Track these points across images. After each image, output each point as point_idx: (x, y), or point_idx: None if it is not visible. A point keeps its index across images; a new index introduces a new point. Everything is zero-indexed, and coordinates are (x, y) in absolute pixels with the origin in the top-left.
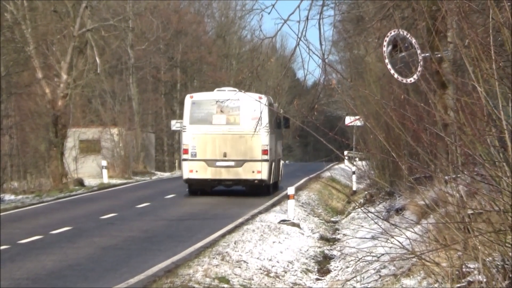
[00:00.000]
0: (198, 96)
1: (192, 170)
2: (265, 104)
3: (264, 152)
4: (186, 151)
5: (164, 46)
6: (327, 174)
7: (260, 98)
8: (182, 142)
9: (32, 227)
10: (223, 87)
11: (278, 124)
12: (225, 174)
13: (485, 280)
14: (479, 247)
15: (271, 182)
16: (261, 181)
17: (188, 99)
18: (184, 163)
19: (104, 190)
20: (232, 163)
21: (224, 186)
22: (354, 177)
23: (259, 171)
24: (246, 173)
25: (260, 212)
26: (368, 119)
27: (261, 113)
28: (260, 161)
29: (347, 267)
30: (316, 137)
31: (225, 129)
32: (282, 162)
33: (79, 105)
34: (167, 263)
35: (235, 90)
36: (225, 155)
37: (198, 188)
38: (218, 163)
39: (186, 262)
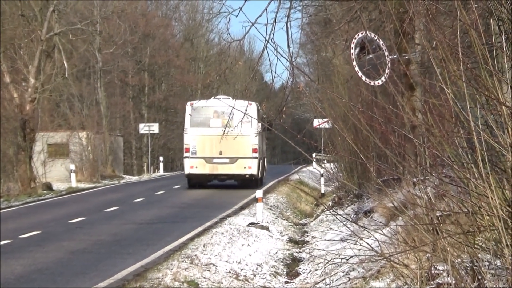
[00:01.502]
0: (197, 103)
1: (192, 166)
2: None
3: (254, 150)
4: (187, 150)
5: (131, 49)
6: (295, 176)
7: (250, 104)
8: (184, 143)
9: (1, 231)
10: (219, 95)
11: (263, 126)
12: (221, 170)
13: (454, 282)
14: (448, 249)
15: (259, 176)
16: (251, 175)
17: (188, 106)
18: (185, 160)
19: (72, 194)
20: (227, 160)
21: (219, 180)
22: (322, 179)
23: (250, 167)
24: (238, 168)
25: (228, 215)
26: (336, 121)
27: (251, 117)
28: (250, 158)
29: (316, 269)
30: (284, 139)
31: (221, 131)
32: (266, 159)
33: (47, 109)
34: (136, 267)
35: (229, 98)
36: (221, 153)
37: (197, 182)
38: (215, 160)
39: (155, 266)
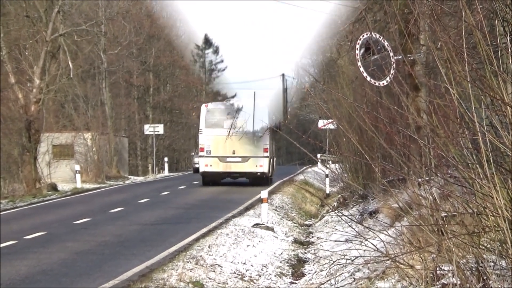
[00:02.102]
0: (212, 105)
1: (207, 164)
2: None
3: (265, 150)
4: (202, 149)
5: (136, 50)
6: (300, 177)
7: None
8: (199, 142)
9: (6, 232)
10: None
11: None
12: (234, 168)
13: (459, 282)
14: (453, 250)
15: (269, 174)
16: (262, 173)
17: (203, 108)
18: (200, 159)
19: (77, 195)
20: (240, 159)
21: (232, 178)
22: (327, 180)
23: (261, 165)
24: (250, 167)
25: (233, 216)
26: (341, 122)
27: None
28: (262, 157)
29: (321, 270)
30: (289, 140)
31: (234, 131)
32: (275, 159)
33: (52, 110)
34: (141, 268)
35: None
36: (234, 152)
37: (211, 179)
38: (228, 159)
39: (160, 267)
